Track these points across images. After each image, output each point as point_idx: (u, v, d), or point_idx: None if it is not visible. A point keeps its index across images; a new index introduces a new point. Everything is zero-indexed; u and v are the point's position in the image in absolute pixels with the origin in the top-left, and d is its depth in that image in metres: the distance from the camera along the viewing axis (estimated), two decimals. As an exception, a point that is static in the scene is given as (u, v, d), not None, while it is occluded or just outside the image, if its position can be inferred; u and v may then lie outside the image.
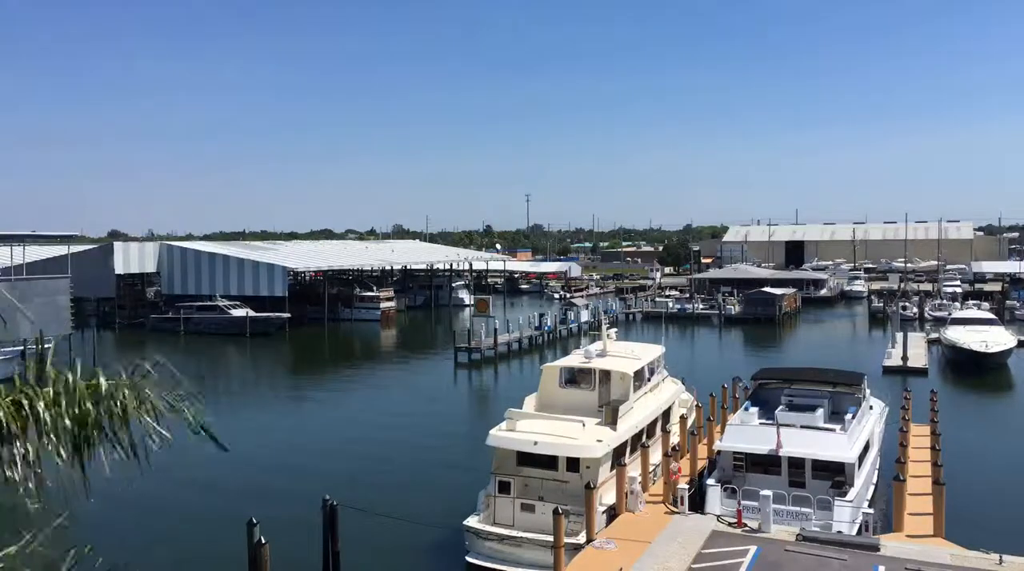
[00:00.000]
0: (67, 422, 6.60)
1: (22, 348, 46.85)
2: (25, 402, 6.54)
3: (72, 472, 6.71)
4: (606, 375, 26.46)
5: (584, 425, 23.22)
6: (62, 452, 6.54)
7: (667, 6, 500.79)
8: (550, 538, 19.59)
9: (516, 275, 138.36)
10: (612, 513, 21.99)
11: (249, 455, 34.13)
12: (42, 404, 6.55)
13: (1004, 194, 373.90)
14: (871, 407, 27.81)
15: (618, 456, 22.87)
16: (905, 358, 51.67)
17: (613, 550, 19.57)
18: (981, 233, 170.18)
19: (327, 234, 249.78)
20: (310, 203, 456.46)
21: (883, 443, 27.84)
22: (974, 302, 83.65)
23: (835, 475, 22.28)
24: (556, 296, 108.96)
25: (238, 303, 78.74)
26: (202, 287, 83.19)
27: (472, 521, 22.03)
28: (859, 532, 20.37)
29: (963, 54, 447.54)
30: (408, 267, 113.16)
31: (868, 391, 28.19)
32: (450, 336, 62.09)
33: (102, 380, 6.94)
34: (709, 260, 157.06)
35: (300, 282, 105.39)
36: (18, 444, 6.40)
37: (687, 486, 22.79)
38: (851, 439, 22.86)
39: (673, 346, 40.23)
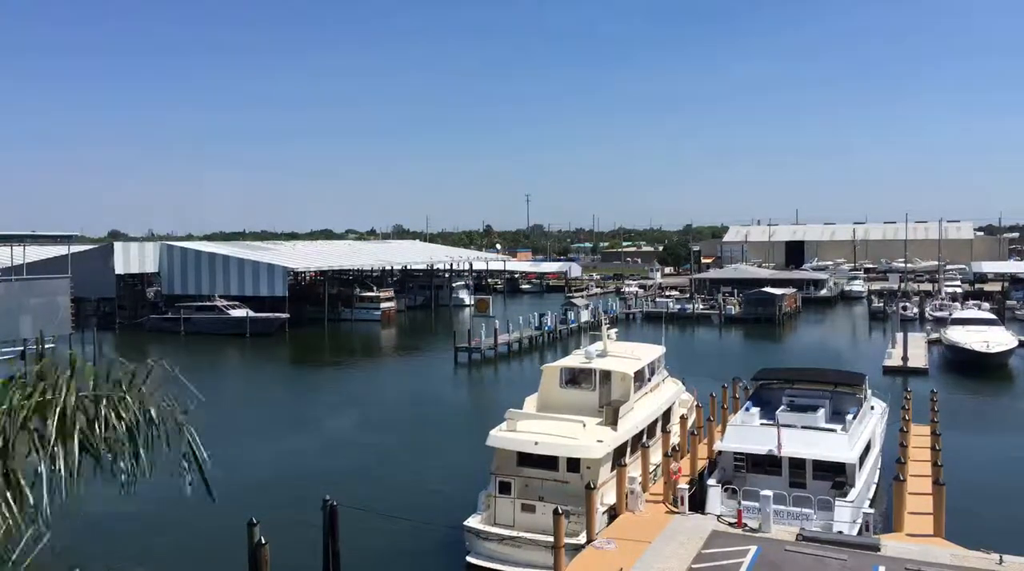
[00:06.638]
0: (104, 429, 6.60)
1: (22, 348, 46.86)
2: (57, 408, 6.51)
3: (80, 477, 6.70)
4: (606, 375, 26.43)
5: (584, 425, 23.21)
6: (68, 461, 6.55)
7: (666, 6, 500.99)
8: (550, 538, 19.60)
9: (516, 275, 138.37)
10: (612, 513, 21.99)
11: (249, 455, 34.15)
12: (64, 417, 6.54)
13: (1004, 194, 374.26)
14: (872, 407, 27.78)
15: (618, 456, 22.87)
16: (905, 358, 51.63)
17: (613, 550, 19.57)
18: (981, 233, 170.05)
19: (327, 234, 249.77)
20: (310, 203, 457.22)
21: (884, 443, 27.81)
22: (974, 302, 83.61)
23: (836, 476, 22.27)
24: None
25: (237, 303, 78.70)
26: (202, 287, 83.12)
27: (472, 521, 22.02)
28: (859, 532, 20.36)
29: (962, 52, 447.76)
30: (408, 267, 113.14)
31: (869, 391, 28.18)
32: (450, 336, 62.08)
33: (152, 410, 6.95)
34: (709, 260, 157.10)
35: (300, 282, 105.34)
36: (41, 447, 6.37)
37: (687, 486, 22.78)
38: (852, 440, 22.85)
39: (673, 346, 40.20)
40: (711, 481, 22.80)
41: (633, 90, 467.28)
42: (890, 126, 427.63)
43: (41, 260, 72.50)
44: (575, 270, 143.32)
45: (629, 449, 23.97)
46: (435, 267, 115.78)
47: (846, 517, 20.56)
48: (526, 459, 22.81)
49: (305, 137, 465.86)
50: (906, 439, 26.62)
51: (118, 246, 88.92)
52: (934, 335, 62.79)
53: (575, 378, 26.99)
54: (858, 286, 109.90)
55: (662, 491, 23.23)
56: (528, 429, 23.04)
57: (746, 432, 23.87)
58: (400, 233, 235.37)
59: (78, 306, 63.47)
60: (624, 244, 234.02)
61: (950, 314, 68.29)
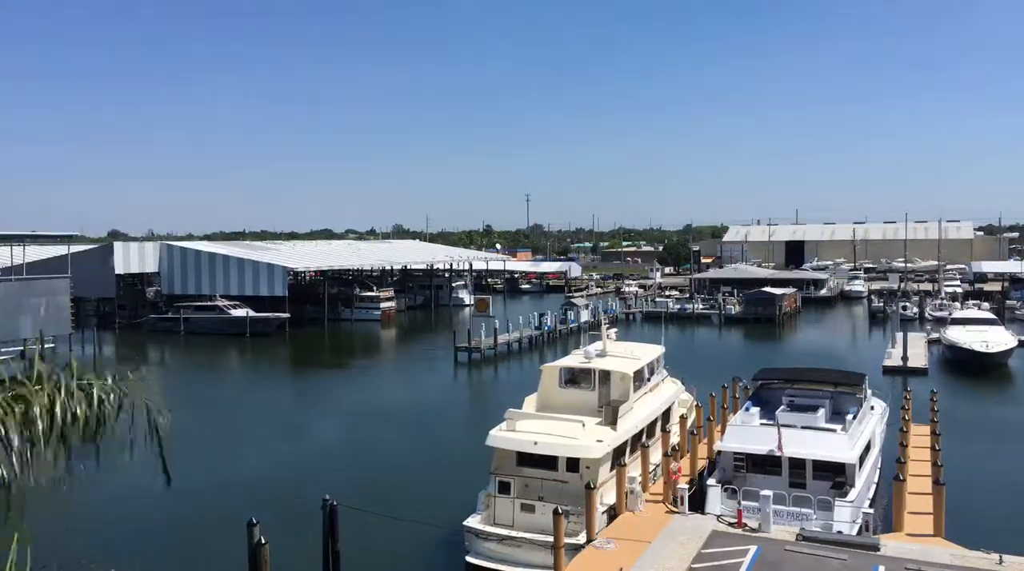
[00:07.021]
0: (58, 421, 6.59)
1: (22, 348, 46.81)
2: (20, 406, 6.51)
3: (67, 471, 6.70)
4: (606, 375, 26.42)
5: (584, 425, 23.20)
6: (48, 454, 6.54)
7: (659, 9, 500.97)
8: (550, 538, 19.59)
9: (516, 275, 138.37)
10: (612, 513, 21.99)
11: (249, 455, 34.17)
12: (38, 408, 6.53)
13: (1004, 194, 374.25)
14: (872, 407, 27.78)
15: (618, 456, 22.86)
16: (905, 358, 51.64)
17: (613, 550, 19.57)
18: (981, 233, 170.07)
19: (327, 234, 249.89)
20: (310, 203, 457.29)
21: (884, 443, 27.81)
22: (974, 302, 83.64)
23: (836, 476, 22.25)
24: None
25: (237, 303, 78.75)
26: (202, 287, 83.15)
27: (472, 521, 22.02)
28: (859, 532, 20.36)
29: (963, 51, 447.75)
30: (408, 267, 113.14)
31: (869, 391, 28.17)
32: (450, 336, 62.08)
33: (95, 386, 6.92)
34: (709, 260, 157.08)
35: (300, 282, 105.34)
36: (16, 442, 6.37)
37: (687, 486, 22.79)
38: (852, 440, 22.84)
39: (673, 346, 40.18)
40: (711, 481, 22.79)
41: (632, 89, 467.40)
42: (890, 125, 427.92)
43: (41, 260, 72.44)
44: (575, 270, 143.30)
45: (629, 449, 23.96)
46: (435, 267, 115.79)
47: (846, 517, 20.55)
48: (526, 459, 22.80)
49: (305, 136, 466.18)
50: (906, 439, 26.60)
51: (118, 246, 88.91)
52: (934, 335, 62.78)
53: (575, 378, 26.98)
54: (858, 286, 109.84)
55: (662, 491, 23.22)
56: (528, 429, 23.04)
57: (746, 432, 23.87)
58: (400, 233, 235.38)
59: (78, 306, 63.33)
60: (624, 244, 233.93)
61: (950, 314, 68.27)
